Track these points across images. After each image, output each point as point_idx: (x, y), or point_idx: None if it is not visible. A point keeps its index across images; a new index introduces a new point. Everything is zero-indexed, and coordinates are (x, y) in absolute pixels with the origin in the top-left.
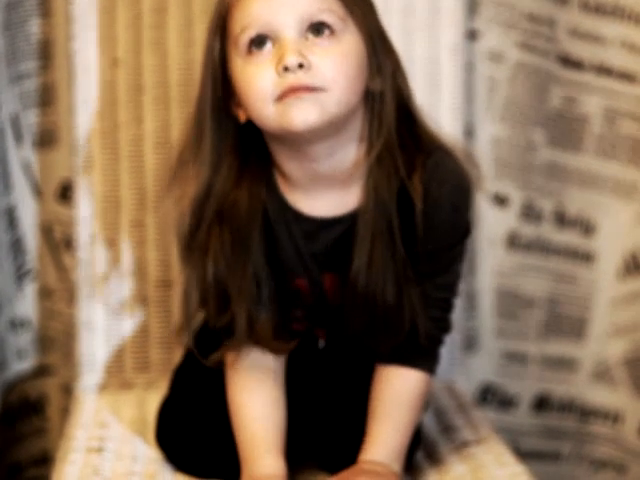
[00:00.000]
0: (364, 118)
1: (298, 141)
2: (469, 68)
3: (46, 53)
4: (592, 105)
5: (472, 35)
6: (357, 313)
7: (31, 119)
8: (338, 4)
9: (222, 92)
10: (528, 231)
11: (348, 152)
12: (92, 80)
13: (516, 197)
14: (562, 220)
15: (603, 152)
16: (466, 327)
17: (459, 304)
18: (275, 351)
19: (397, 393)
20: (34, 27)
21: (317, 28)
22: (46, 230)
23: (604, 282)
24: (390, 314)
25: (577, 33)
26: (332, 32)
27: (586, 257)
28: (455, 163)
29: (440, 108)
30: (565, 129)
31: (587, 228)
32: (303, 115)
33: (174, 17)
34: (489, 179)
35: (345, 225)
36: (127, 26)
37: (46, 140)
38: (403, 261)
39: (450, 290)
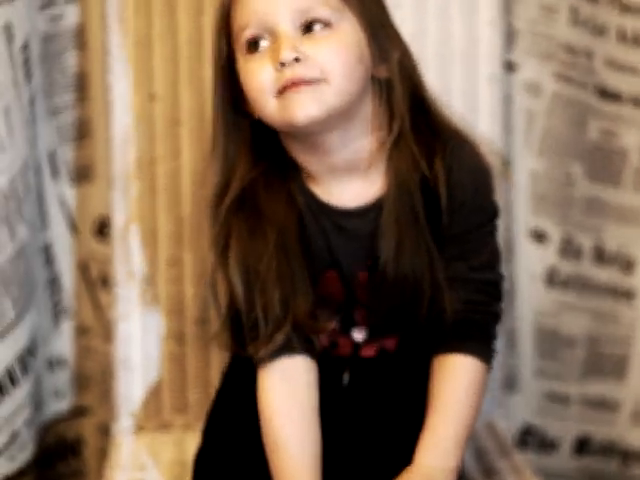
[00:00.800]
0: (374, 107)
1: (306, 134)
2: (506, 100)
3: (82, 86)
4: (631, 138)
5: (509, 66)
6: (387, 301)
7: (67, 154)
8: None
9: (232, 90)
10: (567, 268)
11: (362, 142)
12: (128, 114)
13: (555, 233)
14: (602, 256)
15: None
16: (506, 365)
17: (499, 342)
18: (312, 329)
19: (450, 382)
20: (70, 60)
21: (312, 22)
22: (82, 267)
23: None
24: (422, 299)
25: (615, 64)
26: (327, 25)
27: (626, 294)
28: (472, 147)
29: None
30: (604, 162)
31: (627, 264)
32: (303, 108)
33: (210, 49)
34: (527, 214)
35: (372, 214)
36: (164, 59)
37: (82, 175)
38: (431, 246)
39: (490, 269)
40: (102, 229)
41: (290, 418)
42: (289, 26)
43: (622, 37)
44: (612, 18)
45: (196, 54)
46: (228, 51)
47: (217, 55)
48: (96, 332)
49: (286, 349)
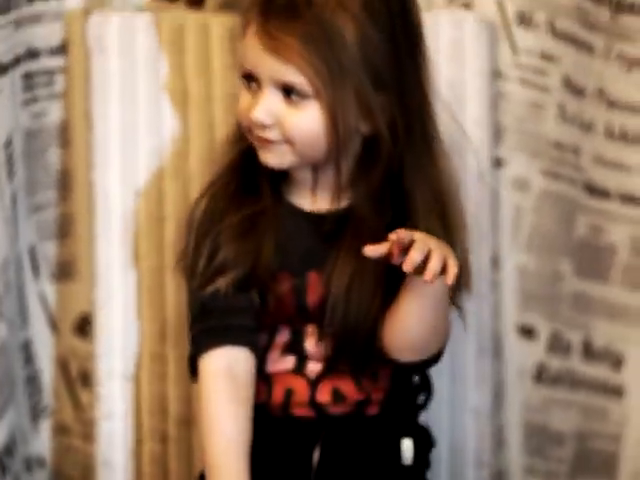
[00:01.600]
0: (353, 158)
1: None
2: (494, 196)
3: (65, 183)
4: (619, 234)
5: (497, 163)
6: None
7: (49, 251)
8: (305, 75)
9: None
10: (556, 364)
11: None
12: (112, 210)
13: (543, 329)
14: (591, 352)
15: (630, 282)
16: (495, 463)
17: (487, 439)
18: (265, 284)
19: None
20: (53, 157)
21: (288, 91)
22: (62, 365)
23: (634, 417)
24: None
25: (602, 161)
26: (303, 95)
27: (616, 391)
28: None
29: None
30: (592, 259)
31: (616, 361)
32: (266, 158)
33: (195, 146)
34: (515, 310)
35: (337, 221)
36: (148, 154)
37: (64, 272)
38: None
39: None
40: (83, 326)
41: (229, 402)
42: (270, 85)
43: (610, 134)
44: (599, 114)
45: (182, 149)
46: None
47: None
48: (76, 431)
49: (229, 337)
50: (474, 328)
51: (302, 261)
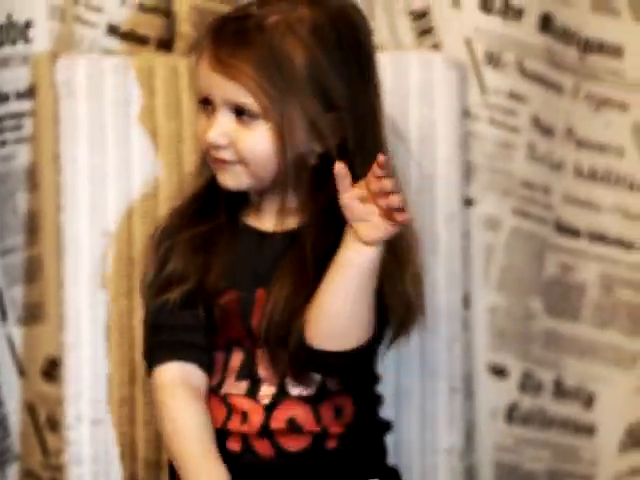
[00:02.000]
0: (308, 177)
1: None
2: (465, 235)
3: (33, 226)
4: (589, 273)
5: (468, 202)
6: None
7: (16, 294)
8: (253, 95)
9: None
10: (527, 403)
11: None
12: (81, 252)
13: (515, 368)
14: (562, 391)
15: (601, 321)
16: None
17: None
18: (214, 297)
19: None
20: (21, 200)
21: (240, 111)
22: (30, 410)
23: (605, 456)
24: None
25: (572, 199)
26: (254, 115)
27: (587, 429)
28: None
29: (438, 277)
30: (562, 297)
31: (587, 399)
32: (223, 179)
33: (165, 187)
34: (487, 349)
35: (285, 240)
36: (117, 196)
37: (32, 316)
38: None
39: None
40: (51, 370)
41: (188, 402)
42: (223, 108)
43: (579, 173)
44: (569, 154)
45: (151, 190)
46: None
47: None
48: (44, 477)
49: (180, 353)
50: (445, 368)
51: (251, 279)
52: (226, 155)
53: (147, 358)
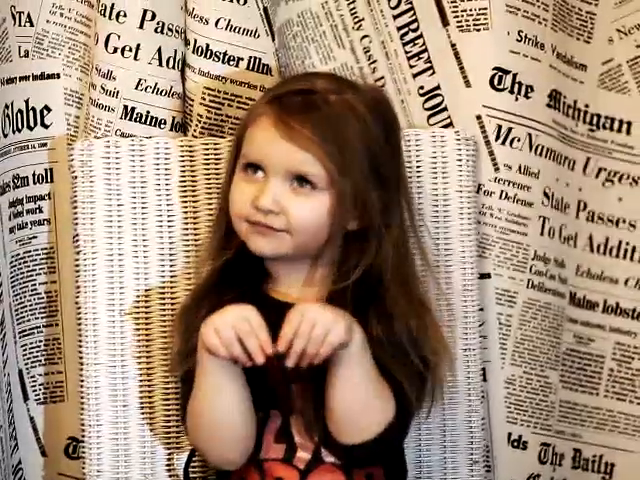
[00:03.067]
0: (334, 253)
1: None
2: (481, 309)
3: (52, 307)
4: (605, 344)
5: (483, 276)
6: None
7: (37, 374)
8: (322, 166)
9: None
10: (548, 475)
11: (306, 270)
12: (99, 332)
13: (533, 439)
14: (581, 463)
15: (619, 392)
16: None
17: None
18: None
19: None
20: (41, 281)
21: (300, 180)
22: None
23: None
24: None
25: (586, 272)
26: (312, 186)
27: None
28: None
29: (456, 350)
30: (579, 369)
31: (607, 470)
32: (259, 246)
33: (181, 266)
34: (505, 421)
35: None
36: (135, 276)
37: (52, 396)
38: None
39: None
40: (73, 449)
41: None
42: (279, 176)
43: (592, 246)
44: (582, 227)
45: (168, 270)
46: (233, 168)
47: (226, 170)
48: None
49: None
50: (465, 440)
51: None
52: (275, 222)
53: (184, 421)
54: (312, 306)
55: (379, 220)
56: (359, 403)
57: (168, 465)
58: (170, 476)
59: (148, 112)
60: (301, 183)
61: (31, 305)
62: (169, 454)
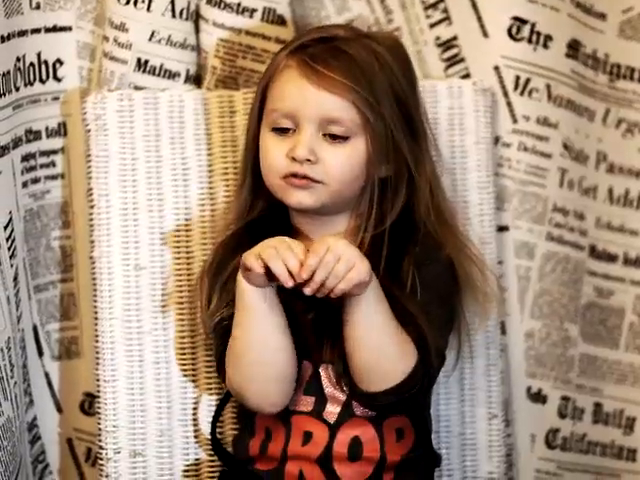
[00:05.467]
0: (366, 201)
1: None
2: (499, 261)
3: (67, 262)
4: (626, 297)
5: (501, 228)
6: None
7: (52, 330)
8: (357, 110)
9: (256, 158)
10: (567, 429)
11: (341, 224)
12: (115, 287)
13: (553, 393)
14: (601, 417)
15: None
16: None
17: None
18: None
19: None
20: (55, 236)
21: (332, 129)
22: (69, 444)
23: None
24: None
25: (606, 225)
26: (344, 136)
27: (628, 454)
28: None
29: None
30: (599, 322)
31: (627, 424)
32: (299, 198)
33: (197, 220)
34: (524, 375)
35: None
36: (150, 230)
37: (67, 351)
38: None
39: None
40: (88, 405)
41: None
42: (312, 126)
43: (612, 198)
44: (601, 179)
45: (183, 223)
46: (258, 123)
47: (248, 127)
48: None
49: None
50: (484, 394)
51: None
52: (312, 172)
53: (221, 370)
54: (340, 240)
55: (412, 164)
56: (376, 350)
57: (184, 420)
58: (186, 431)
59: (162, 64)
60: (334, 137)
61: (45, 260)
62: (185, 409)
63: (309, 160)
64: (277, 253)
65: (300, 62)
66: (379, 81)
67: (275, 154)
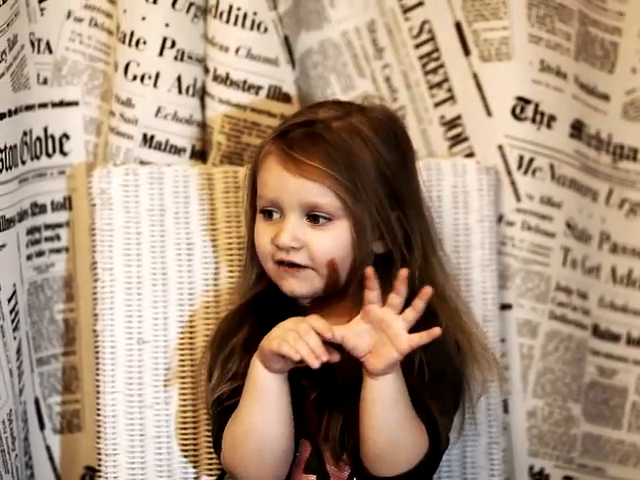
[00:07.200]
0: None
1: None
2: (502, 340)
3: (69, 335)
4: (629, 377)
5: (504, 307)
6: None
7: (53, 403)
8: (335, 195)
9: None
10: None
11: (343, 303)
12: (117, 360)
13: (556, 473)
14: None
15: None
16: None
17: None
18: None
19: None
20: (58, 309)
21: (315, 217)
22: None
23: None
24: None
25: (609, 304)
26: (328, 218)
27: None
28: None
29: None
30: (602, 402)
31: None
32: (291, 287)
33: (200, 295)
34: (527, 454)
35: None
36: (153, 304)
37: (68, 425)
38: None
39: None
40: (90, 479)
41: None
42: (295, 212)
43: (615, 277)
44: (605, 259)
45: (187, 298)
46: (252, 204)
47: (245, 208)
48: None
49: None
50: (486, 473)
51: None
52: (298, 259)
53: (217, 447)
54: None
55: (402, 241)
56: (393, 433)
57: None
58: None
59: (167, 140)
60: (317, 219)
61: (48, 333)
62: None
63: (293, 247)
64: (299, 336)
65: (279, 150)
66: (360, 162)
67: (264, 240)
